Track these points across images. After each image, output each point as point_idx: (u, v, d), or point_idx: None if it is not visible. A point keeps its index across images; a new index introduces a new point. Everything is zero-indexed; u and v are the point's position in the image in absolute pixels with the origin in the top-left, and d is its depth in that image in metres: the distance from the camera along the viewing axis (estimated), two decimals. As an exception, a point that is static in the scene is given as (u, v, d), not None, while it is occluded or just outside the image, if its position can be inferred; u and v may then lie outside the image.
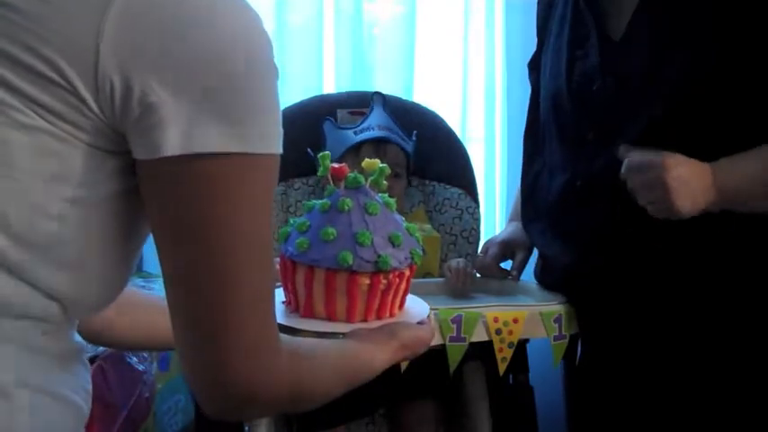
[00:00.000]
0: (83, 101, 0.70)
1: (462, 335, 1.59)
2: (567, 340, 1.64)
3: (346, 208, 1.11)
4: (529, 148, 1.74)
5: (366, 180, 1.15)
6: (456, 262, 1.85)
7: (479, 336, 1.61)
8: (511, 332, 1.61)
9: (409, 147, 1.93)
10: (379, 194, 1.17)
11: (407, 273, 1.14)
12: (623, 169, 1.33)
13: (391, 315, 1.15)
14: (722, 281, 1.40)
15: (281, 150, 0.76)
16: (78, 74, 0.69)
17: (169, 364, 1.95)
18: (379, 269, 1.08)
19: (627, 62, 1.42)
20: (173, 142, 0.70)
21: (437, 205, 2.05)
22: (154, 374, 1.93)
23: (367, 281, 1.08)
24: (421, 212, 2.03)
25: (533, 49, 1.78)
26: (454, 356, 1.60)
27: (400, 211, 1.89)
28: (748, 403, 1.41)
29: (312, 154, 1.84)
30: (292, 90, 2.22)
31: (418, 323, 1.12)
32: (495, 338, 1.60)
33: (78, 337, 0.84)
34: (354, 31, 2.34)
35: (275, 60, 0.79)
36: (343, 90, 2.18)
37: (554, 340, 1.64)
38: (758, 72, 1.31)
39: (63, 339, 0.79)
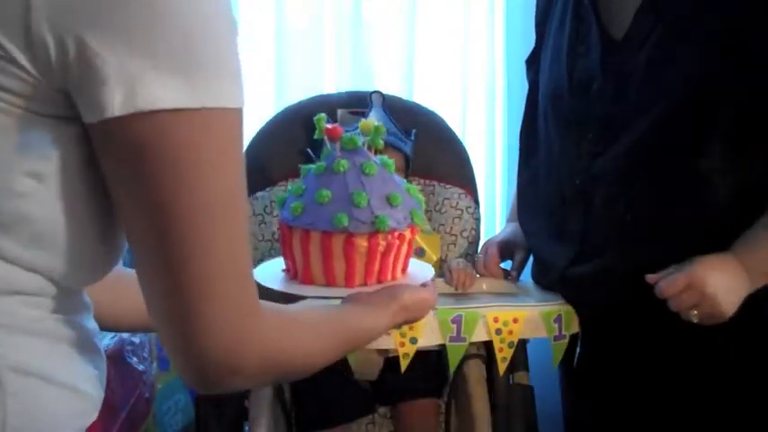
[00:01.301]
0: (22, 68, 0.66)
1: (462, 335, 1.59)
2: (566, 340, 1.64)
3: (342, 169, 1.08)
4: (525, 146, 1.74)
5: (363, 142, 1.12)
6: (456, 262, 1.85)
7: (479, 336, 1.61)
8: (511, 332, 1.61)
9: (408, 147, 1.92)
10: (378, 156, 1.14)
11: (408, 234, 1.10)
12: (658, 294, 1.36)
13: (393, 279, 1.11)
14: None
15: (241, 104, 0.71)
16: (11, 39, 0.65)
17: (169, 364, 1.95)
18: (376, 230, 1.04)
19: (628, 61, 1.42)
20: (117, 101, 0.65)
21: (437, 205, 2.05)
22: (154, 374, 1.93)
23: (364, 243, 1.05)
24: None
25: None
26: (454, 356, 1.60)
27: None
28: (747, 404, 1.41)
29: (312, 154, 1.84)
30: (292, 90, 2.22)
31: (421, 285, 1.09)
32: (495, 338, 1.60)
33: (91, 323, 0.82)
34: (354, 31, 2.34)
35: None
36: (343, 90, 2.19)
37: (554, 340, 1.64)
38: (760, 72, 1.30)
39: (66, 322, 0.76)
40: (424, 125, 2.02)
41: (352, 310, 0.96)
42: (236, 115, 0.71)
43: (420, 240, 1.87)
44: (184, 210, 0.69)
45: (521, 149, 1.76)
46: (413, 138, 1.95)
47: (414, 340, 1.56)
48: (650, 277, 1.36)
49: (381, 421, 1.92)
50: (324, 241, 1.05)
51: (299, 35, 2.27)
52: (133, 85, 0.65)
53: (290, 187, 1.12)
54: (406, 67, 2.36)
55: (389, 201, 1.07)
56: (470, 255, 2.00)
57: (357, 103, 1.99)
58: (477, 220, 2.05)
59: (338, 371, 1.67)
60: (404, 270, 1.12)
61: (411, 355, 1.56)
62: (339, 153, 1.11)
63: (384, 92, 1.99)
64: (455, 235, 2.02)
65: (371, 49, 2.35)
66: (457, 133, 2.16)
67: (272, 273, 1.16)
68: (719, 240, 1.37)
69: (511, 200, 2.33)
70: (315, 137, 1.13)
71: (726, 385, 1.41)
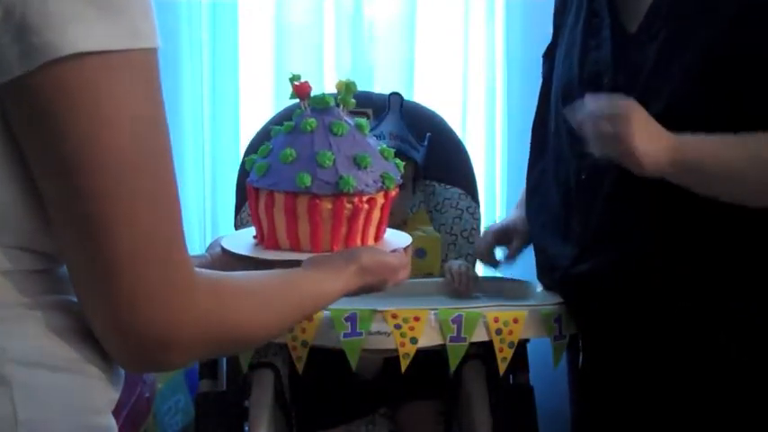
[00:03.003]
0: None
1: (463, 335, 1.58)
2: (566, 340, 1.63)
3: (309, 128, 1.03)
4: (537, 142, 1.72)
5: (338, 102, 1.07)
6: (457, 264, 1.85)
7: (480, 336, 1.61)
8: (511, 332, 1.61)
9: (419, 155, 1.91)
10: (356, 119, 1.09)
11: (380, 199, 1.05)
12: (580, 110, 1.31)
13: (363, 245, 1.05)
14: (724, 281, 1.39)
15: (154, 44, 0.66)
16: None
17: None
18: (340, 191, 0.99)
19: (639, 55, 1.41)
20: (9, 57, 0.61)
21: (437, 205, 2.05)
22: (154, 374, 1.92)
23: (329, 205, 1.00)
24: (423, 214, 2.02)
25: (534, 48, 1.78)
26: (454, 356, 1.60)
27: (401, 215, 1.90)
28: (749, 404, 1.41)
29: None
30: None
31: (392, 252, 1.03)
32: (496, 338, 1.60)
33: None
34: (354, 31, 2.34)
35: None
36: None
37: (554, 340, 1.64)
38: (762, 69, 1.30)
39: (58, 302, 0.73)
40: (425, 125, 2.02)
41: (304, 274, 0.90)
42: (149, 56, 0.66)
43: (421, 241, 1.87)
44: (96, 170, 0.64)
45: (532, 143, 1.74)
46: (426, 142, 1.94)
47: (414, 340, 1.56)
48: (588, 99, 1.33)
49: (381, 421, 1.92)
50: (287, 203, 1.00)
51: (299, 34, 2.27)
52: (54, 30, 0.60)
53: (259, 149, 1.07)
54: (406, 67, 2.35)
55: (357, 162, 1.02)
56: (470, 255, 2.00)
57: (357, 103, 1.98)
58: (478, 220, 2.05)
59: (338, 371, 1.66)
60: (377, 238, 1.06)
61: (411, 355, 1.56)
62: (309, 113, 1.06)
63: (384, 92, 1.98)
64: (455, 235, 2.02)
65: (371, 48, 2.35)
66: (457, 133, 2.16)
67: (242, 240, 1.12)
68: (721, 238, 1.37)
69: (511, 200, 2.33)
70: (289, 98, 1.09)
71: (728, 385, 1.40)
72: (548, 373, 1.73)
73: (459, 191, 2.04)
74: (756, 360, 1.40)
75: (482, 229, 2.07)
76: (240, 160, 2.13)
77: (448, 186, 2.04)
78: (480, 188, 2.16)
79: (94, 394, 0.74)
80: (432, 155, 2.00)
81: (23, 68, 0.61)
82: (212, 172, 2.35)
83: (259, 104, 2.32)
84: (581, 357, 1.63)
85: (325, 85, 2.29)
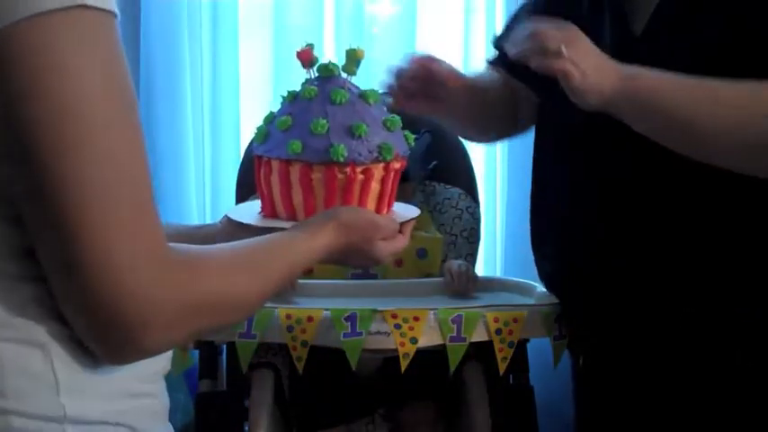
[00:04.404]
0: None
1: (462, 335, 1.58)
2: (566, 340, 1.63)
3: (308, 96, 1.02)
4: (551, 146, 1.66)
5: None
6: (456, 264, 1.85)
7: (480, 336, 1.61)
8: (511, 332, 1.61)
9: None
10: (367, 89, 1.07)
11: (378, 171, 1.02)
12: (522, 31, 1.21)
13: None
14: (729, 286, 1.39)
15: (106, 6, 0.65)
16: None
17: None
18: (330, 160, 0.97)
19: (642, 58, 1.40)
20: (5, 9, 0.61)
21: (437, 205, 2.05)
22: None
23: (320, 174, 0.98)
24: (425, 217, 2.02)
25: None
26: (454, 356, 1.60)
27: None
28: (753, 409, 1.40)
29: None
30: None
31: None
32: (496, 338, 1.60)
33: None
34: (354, 31, 2.33)
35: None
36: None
37: (554, 340, 1.64)
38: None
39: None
40: (425, 125, 2.02)
41: (282, 235, 0.88)
42: (112, 19, 0.66)
43: (422, 241, 1.87)
44: (57, 135, 0.62)
45: (537, 144, 1.71)
46: (417, 137, 1.93)
47: (414, 340, 1.56)
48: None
49: (381, 421, 1.92)
50: (281, 170, 0.99)
51: (299, 35, 2.27)
52: None
53: (264, 118, 1.06)
54: (406, 66, 2.35)
55: (352, 131, 0.99)
56: (470, 255, 2.00)
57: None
58: (478, 220, 2.05)
59: (338, 371, 1.66)
60: (378, 212, 1.03)
61: (411, 355, 1.56)
62: (314, 80, 1.05)
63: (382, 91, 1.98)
64: (455, 235, 2.02)
65: (371, 49, 2.35)
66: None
67: (249, 210, 1.11)
68: (730, 239, 1.36)
69: (511, 200, 2.32)
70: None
71: (732, 390, 1.40)
72: (548, 373, 1.73)
73: (459, 191, 2.04)
74: (761, 365, 1.39)
75: (482, 229, 2.07)
76: (240, 160, 2.14)
77: (448, 186, 2.04)
78: (480, 188, 2.16)
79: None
80: (432, 154, 2.00)
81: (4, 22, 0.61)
82: (212, 172, 2.35)
83: (259, 104, 2.32)
84: (581, 360, 1.62)
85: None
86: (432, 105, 1.44)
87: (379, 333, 1.56)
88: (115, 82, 0.66)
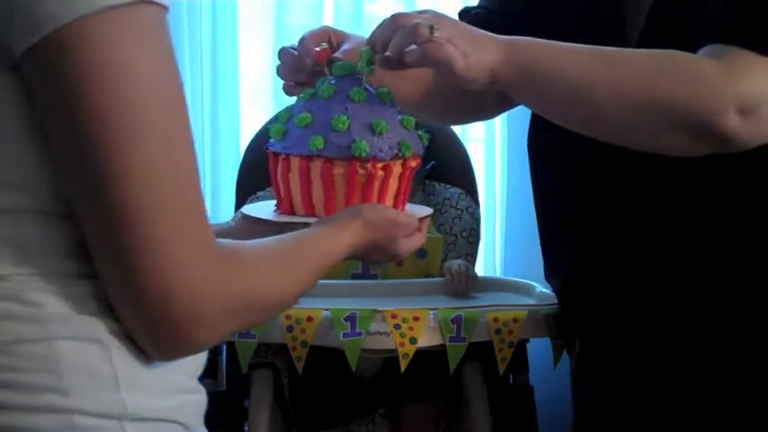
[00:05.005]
0: None
1: (462, 335, 1.59)
2: (566, 340, 1.63)
3: (327, 94, 1.03)
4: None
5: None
6: (456, 264, 1.85)
7: (479, 336, 1.61)
8: (511, 332, 1.61)
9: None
10: (380, 89, 1.07)
11: (397, 168, 1.03)
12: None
13: None
14: (730, 286, 1.39)
15: (162, 0, 0.66)
16: None
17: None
18: (352, 155, 0.98)
19: None
20: (18, 29, 0.62)
21: (437, 205, 2.05)
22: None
23: (341, 169, 0.99)
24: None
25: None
26: (454, 356, 1.60)
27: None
28: (756, 411, 1.40)
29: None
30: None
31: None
32: (495, 338, 1.60)
33: None
34: (354, 31, 2.32)
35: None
36: (343, 90, 2.18)
37: (554, 340, 1.64)
38: None
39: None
40: (424, 125, 2.02)
41: (312, 232, 0.88)
42: (159, 12, 0.67)
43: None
44: (118, 119, 0.64)
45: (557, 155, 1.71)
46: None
47: (413, 340, 1.56)
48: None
49: (381, 421, 1.92)
50: (301, 167, 1.00)
51: (299, 35, 2.26)
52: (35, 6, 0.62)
53: (279, 116, 1.07)
54: (405, 66, 2.35)
55: (372, 127, 1.00)
56: (470, 255, 2.00)
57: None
58: (477, 220, 2.05)
59: (338, 371, 1.67)
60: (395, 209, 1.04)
61: (410, 355, 1.56)
62: (331, 79, 1.06)
63: (384, 92, 1.98)
64: (455, 235, 2.02)
65: (371, 48, 2.35)
66: (457, 134, 2.16)
67: (263, 208, 1.12)
68: (730, 238, 1.36)
69: (511, 200, 2.32)
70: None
71: (733, 391, 1.40)
72: (548, 373, 1.74)
73: (459, 191, 2.04)
74: (762, 366, 1.39)
75: (482, 229, 2.07)
76: (240, 160, 2.14)
77: (448, 186, 2.04)
78: (480, 188, 2.16)
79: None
80: (432, 155, 2.00)
81: (30, 41, 0.62)
82: (212, 172, 2.35)
83: (259, 104, 2.32)
84: (576, 359, 1.63)
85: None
86: None
87: (378, 333, 1.56)
88: (172, 75, 0.67)
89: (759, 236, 1.36)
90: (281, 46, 1.23)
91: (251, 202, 1.92)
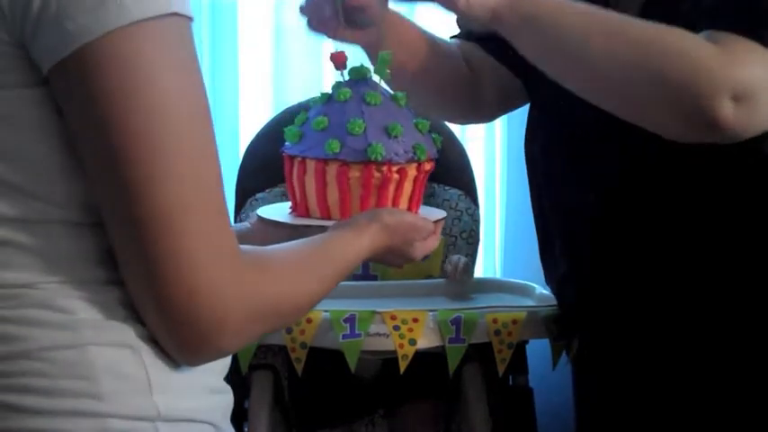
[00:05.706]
0: None
1: (462, 336, 1.59)
2: (566, 341, 1.63)
3: (343, 98, 1.05)
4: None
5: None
6: (457, 258, 1.86)
7: (479, 337, 1.61)
8: (510, 333, 1.61)
9: None
10: (396, 92, 1.10)
11: (412, 171, 1.05)
12: None
13: None
14: (729, 286, 1.39)
15: (183, 11, 0.67)
16: None
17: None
18: (368, 159, 1.00)
19: None
20: (50, 44, 0.64)
21: (436, 207, 2.04)
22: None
23: (357, 173, 1.00)
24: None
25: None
26: (454, 358, 1.60)
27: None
28: (757, 412, 1.40)
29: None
30: (291, 91, 2.22)
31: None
32: (495, 339, 1.60)
33: None
34: (354, 32, 2.33)
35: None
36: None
37: (554, 341, 1.64)
38: None
39: None
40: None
41: (332, 236, 0.90)
42: (184, 23, 0.68)
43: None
44: (146, 130, 0.65)
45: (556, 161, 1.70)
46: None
47: (413, 342, 1.56)
48: None
49: (381, 421, 1.92)
50: (317, 170, 1.01)
51: (299, 35, 2.26)
52: (86, 13, 0.63)
53: (295, 119, 1.08)
54: (405, 67, 2.35)
55: (388, 131, 1.02)
56: (470, 256, 2.00)
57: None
58: (477, 221, 2.05)
59: (337, 372, 1.67)
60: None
61: (410, 356, 1.56)
62: (346, 83, 1.09)
63: (384, 92, 1.98)
64: (454, 236, 2.02)
65: (371, 49, 2.35)
66: (456, 134, 2.15)
67: (278, 211, 1.13)
68: (729, 239, 1.36)
69: (511, 200, 2.32)
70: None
71: (733, 392, 1.40)
72: (547, 374, 1.74)
73: (459, 192, 2.04)
74: (761, 366, 1.39)
75: (481, 230, 2.07)
76: (240, 161, 2.14)
77: (447, 187, 2.04)
78: (480, 189, 2.16)
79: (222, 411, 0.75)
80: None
81: (60, 56, 0.64)
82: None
83: (259, 104, 2.32)
84: (575, 359, 1.62)
85: (324, 84, 2.29)
86: (352, 33, 1.36)
87: (378, 334, 1.57)
88: (197, 84, 0.69)
89: (755, 235, 1.36)
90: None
91: (251, 204, 1.92)
